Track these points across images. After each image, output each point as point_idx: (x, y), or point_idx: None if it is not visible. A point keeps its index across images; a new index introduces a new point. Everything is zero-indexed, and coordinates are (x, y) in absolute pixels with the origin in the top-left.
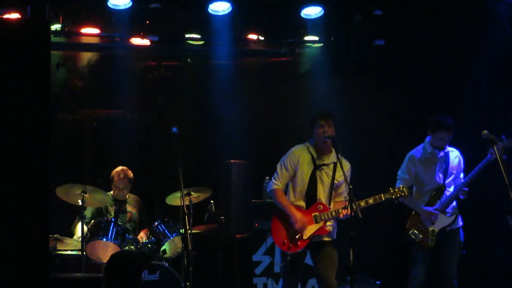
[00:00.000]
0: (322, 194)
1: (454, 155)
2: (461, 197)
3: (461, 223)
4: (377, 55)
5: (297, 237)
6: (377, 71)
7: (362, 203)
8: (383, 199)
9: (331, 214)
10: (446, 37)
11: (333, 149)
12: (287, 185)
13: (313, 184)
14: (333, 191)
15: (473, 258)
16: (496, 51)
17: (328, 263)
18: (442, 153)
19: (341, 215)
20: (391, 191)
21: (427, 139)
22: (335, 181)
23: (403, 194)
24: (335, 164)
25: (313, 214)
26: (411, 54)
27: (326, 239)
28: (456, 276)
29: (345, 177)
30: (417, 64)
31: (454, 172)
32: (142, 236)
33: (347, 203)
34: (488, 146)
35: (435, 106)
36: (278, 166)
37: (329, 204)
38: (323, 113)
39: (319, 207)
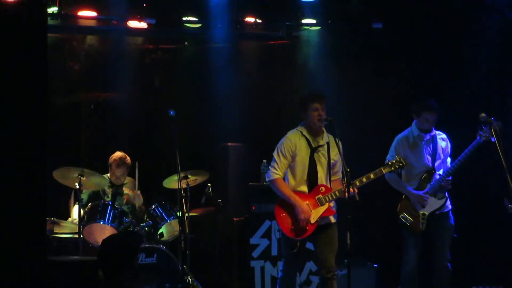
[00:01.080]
0: (322, 176)
1: (441, 138)
2: (444, 185)
3: (450, 207)
4: (375, 38)
5: (304, 222)
6: (374, 54)
7: (364, 179)
8: (383, 172)
9: (335, 194)
10: (444, 20)
11: (324, 129)
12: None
13: (313, 167)
14: (331, 171)
15: (466, 242)
16: (494, 34)
17: (329, 247)
18: (428, 136)
19: (347, 194)
20: (390, 163)
21: (414, 122)
22: (332, 161)
23: (401, 164)
24: (328, 144)
25: (316, 197)
26: (408, 37)
27: (332, 221)
28: (449, 259)
29: (341, 157)
30: (414, 47)
31: (442, 155)
32: (138, 195)
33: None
34: (478, 129)
35: (432, 88)
36: (275, 154)
37: (329, 185)
38: (317, 96)
39: (321, 189)
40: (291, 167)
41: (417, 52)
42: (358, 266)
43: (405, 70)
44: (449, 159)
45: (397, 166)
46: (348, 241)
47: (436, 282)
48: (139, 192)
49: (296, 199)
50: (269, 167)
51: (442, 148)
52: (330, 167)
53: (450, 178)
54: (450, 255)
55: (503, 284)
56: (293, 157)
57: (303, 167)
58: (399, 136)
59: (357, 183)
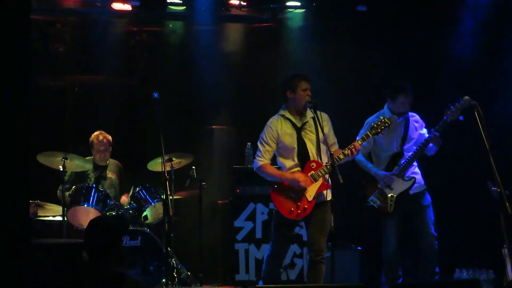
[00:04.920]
0: (313, 151)
1: (414, 119)
2: (431, 145)
3: (425, 186)
4: (360, 21)
5: (302, 201)
6: (359, 37)
7: (359, 142)
8: (370, 136)
9: (326, 168)
10: (428, 2)
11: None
12: (275, 159)
13: (302, 147)
14: (321, 144)
15: (451, 225)
16: (478, 15)
17: (319, 228)
18: (401, 119)
19: (348, 155)
20: (375, 125)
21: (386, 105)
22: (321, 134)
23: (386, 124)
24: (313, 118)
25: (309, 174)
26: (393, 20)
27: (328, 198)
28: (435, 236)
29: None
30: (399, 29)
31: (415, 137)
32: (125, 200)
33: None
34: (445, 109)
35: (416, 71)
36: (259, 143)
37: (321, 159)
38: (305, 76)
39: (312, 165)
40: (281, 152)
41: (401, 34)
42: (342, 248)
43: (389, 52)
44: (424, 130)
45: (382, 127)
46: (332, 224)
47: (422, 262)
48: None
49: (287, 175)
50: (255, 157)
51: (415, 129)
52: (319, 141)
53: (438, 133)
54: (436, 233)
55: (485, 266)
56: (278, 143)
57: (292, 148)
58: (370, 119)
59: (357, 143)
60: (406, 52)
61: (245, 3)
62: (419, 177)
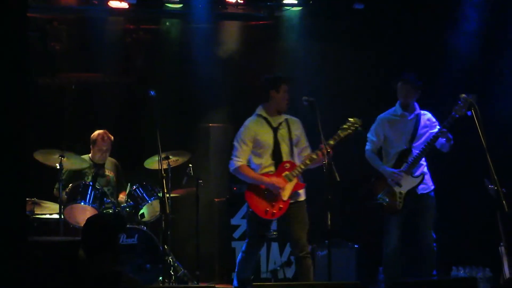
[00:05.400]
0: (287, 152)
1: (426, 118)
2: (443, 141)
3: (432, 187)
4: (357, 19)
5: (278, 201)
6: (356, 35)
7: (331, 141)
8: (341, 136)
9: (301, 168)
10: (425, 0)
11: None
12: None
13: (277, 146)
14: (294, 148)
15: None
16: (475, 13)
17: (301, 225)
18: (412, 116)
19: (317, 159)
20: (345, 126)
21: (398, 102)
22: (294, 136)
23: (356, 125)
24: (286, 120)
25: (283, 174)
26: (390, 18)
27: (301, 199)
28: (434, 239)
29: (304, 134)
30: (396, 27)
31: (425, 135)
32: (122, 197)
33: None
34: (454, 105)
35: (414, 69)
36: (236, 143)
37: (295, 160)
38: (289, 78)
39: (286, 166)
40: (256, 152)
41: (399, 32)
42: (338, 246)
43: (386, 50)
44: (437, 127)
45: (353, 128)
46: (329, 222)
47: (421, 262)
48: (123, 196)
49: (264, 178)
50: (231, 157)
51: (426, 127)
52: (292, 142)
53: (445, 130)
54: (434, 235)
55: (482, 264)
56: (254, 142)
57: (268, 148)
58: (380, 116)
59: (330, 143)
60: (405, 51)
61: (242, 1)
62: (427, 177)
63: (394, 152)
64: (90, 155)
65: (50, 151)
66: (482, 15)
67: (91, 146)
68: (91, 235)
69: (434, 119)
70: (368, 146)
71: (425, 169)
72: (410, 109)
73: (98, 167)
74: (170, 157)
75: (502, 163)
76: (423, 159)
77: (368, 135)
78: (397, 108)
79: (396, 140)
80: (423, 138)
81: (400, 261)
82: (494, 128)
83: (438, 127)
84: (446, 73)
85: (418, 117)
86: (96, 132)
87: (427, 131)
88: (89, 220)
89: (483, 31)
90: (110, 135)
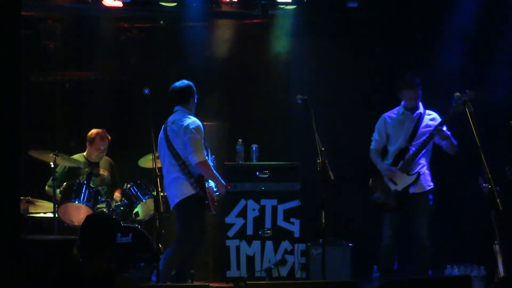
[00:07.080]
0: None
1: (430, 117)
2: (443, 142)
3: (429, 187)
4: (350, 17)
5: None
6: (350, 33)
7: None
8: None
9: None
10: None
11: None
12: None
13: None
14: None
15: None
16: (470, 9)
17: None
18: (415, 115)
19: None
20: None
21: (402, 102)
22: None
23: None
24: None
25: None
26: (384, 16)
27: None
28: (427, 237)
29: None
30: (390, 25)
31: (426, 134)
32: (118, 196)
33: None
34: (450, 102)
35: (408, 66)
36: (198, 138)
37: None
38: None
39: None
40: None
41: (393, 30)
42: (333, 245)
43: (381, 48)
44: (444, 128)
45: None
46: (323, 220)
47: (415, 260)
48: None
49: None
50: (193, 151)
51: (428, 127)
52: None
53: (443, 127)
54: (428, 234)
55: (476, 262)
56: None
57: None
58: (384, 114)
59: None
60: (399, 49)
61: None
62: (423, 177)
63: (393, 150)
64: (85, 153)
65: (43, 152)
66: (477, 12)
67: (87, 144)
68: (91, 234)
69: (439, 120)
70: (372, 145)
71: (424, 169)
72: (413, 109)
73: (92, 166)
74: None
75: (496, 161)
76: (423, 159)
77: (374, 133)
78: (400, 108)
79: (396, 138)
80: (423, 138)
81: (394, 258)
82: (487, 126)
83: (444, 127)
84: (441, 68)
85: (420, 116)
86: (95, 131)
87: (429, 130)
88: (88, 218)
89: (477, 29)
90: (108, 135)
